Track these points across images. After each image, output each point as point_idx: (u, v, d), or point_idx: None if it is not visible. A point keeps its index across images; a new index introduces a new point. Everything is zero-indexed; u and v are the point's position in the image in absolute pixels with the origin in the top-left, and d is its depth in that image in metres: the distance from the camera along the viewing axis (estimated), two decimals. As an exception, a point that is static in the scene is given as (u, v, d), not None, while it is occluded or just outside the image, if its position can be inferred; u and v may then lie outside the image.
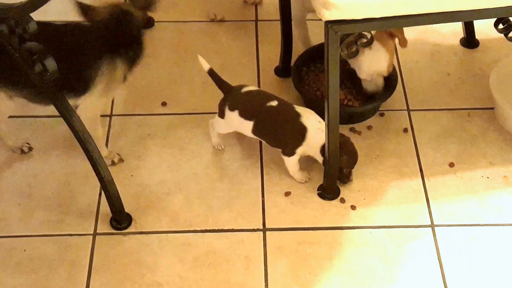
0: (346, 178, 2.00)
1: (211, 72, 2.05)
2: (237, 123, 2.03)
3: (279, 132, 2.00)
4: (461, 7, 1.71)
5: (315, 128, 1.97)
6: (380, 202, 1.99)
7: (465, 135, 2.16)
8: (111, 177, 1.86)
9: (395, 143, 2.14)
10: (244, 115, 2.01)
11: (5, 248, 1.89)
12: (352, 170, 2.01)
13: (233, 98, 2.03)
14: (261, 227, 1.94)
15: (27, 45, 1.70)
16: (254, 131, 2.02)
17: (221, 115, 2.05)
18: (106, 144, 2.11)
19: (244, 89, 2.05)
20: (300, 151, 1.99)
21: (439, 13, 1.71)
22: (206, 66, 2.05)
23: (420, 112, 2.22)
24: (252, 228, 1.94)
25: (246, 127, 2.02)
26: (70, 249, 1.89)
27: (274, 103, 2.01)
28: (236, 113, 2.02)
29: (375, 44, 2.03)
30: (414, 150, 2.12)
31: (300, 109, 2.01)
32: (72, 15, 2.50)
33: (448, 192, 2.02)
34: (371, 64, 2.08)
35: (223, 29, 2.49)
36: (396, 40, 2.09)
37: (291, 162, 2.01)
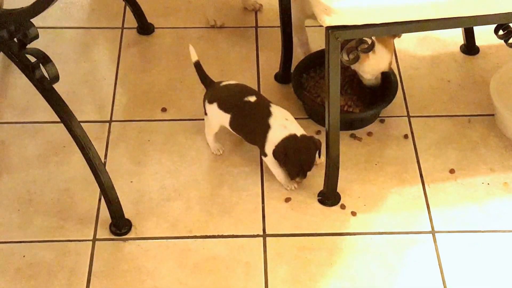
0: (291, 176, 1.99)
1: (197, 65, 2.07)
2: (217, 116, 2.03)
3: (251, 129, 2.00)
4: (461, 13, 1.71)
5: (278, 125, 1.97)
6: (380, 208, 1.99)
7: (465, 141, 2.16)
8: (111, 183, 1.86)
9: (396, 149, 2.14)
10: (222, 107, 2.01)
11: (4, 254, 1.88)
12: (304, 173, 1.98)
13: (212, 91, 2.05)
14: (261, 233, 1.94)
15: (28, 51, 1.70)
16: (231, 124, 2.02)
17: (205, 111, 2.06)
18: (106, 150, 2.11)
19: (224, 83, 2.07)
20: (269, 152, 1.98)
21: (439, 19, 1.71)
22: (194, 58, 2.07)
23: (421, 118, 2.22)
24: (252, 234, 1.93)
25: (225, 120, 2.02)
26: (70, 255, 1.88)
27: (252, 98, 2.01)
28: (215, 105, 2.02)
29: (377, 46, 2.04)
30: (415, 157, 2.12)
31: (274, 108, 2.01)
32: (72, 21, 2.53)
33: (449, 198, 2.02)
34: (375, 66, 2.09)
35: (223, 35, 2.49)
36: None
37: (269, 163, 2.01)
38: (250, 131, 2.01)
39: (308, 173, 1.99)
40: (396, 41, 2.35)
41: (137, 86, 2.31)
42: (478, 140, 2.16)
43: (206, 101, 2.05)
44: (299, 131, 1.97)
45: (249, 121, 2.00)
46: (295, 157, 1.95)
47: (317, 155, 1.98)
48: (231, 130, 2.04)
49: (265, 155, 2.00)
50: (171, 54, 2.42)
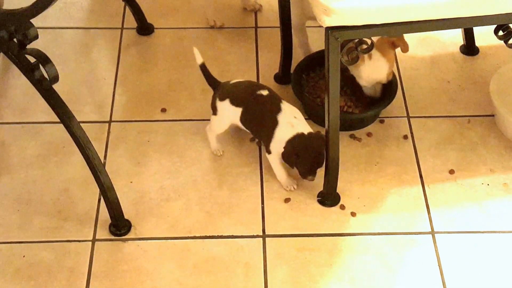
0: (303, 175, 1.98)
1: (203, 67, 2.08)
2: (229, 112, 2.03)
3: (259, 123, 2.01)
4: (461, 14, 1.71)
5: (286, 122, 1.97)
6: (380, 209, 1.99)
7: (465, 142, 2.15)
8: (110, 184, 1.86)
9: (395, 150, 2.14)
10: (235, 102, 2.02)
11: (4, 254, 1.88)
12: (315, 170, 1.97)
13: (222, 89, 2.06)
14: (260, 233, 1.94)
15: (27, 51, 1.70)
16: (242, 118, 2.02)
17: (214, 111, 2.07)
18: (106, 150, 2.11)
19: (234, 81, 2.08)
20: (274, 149, 1.98)
21: (439, 19, 1.71)
22: (199, 60, 2.08)
23: (420, 119, 2.22)
24: (251, 234, 1.93)
25: (236, 115, 2.02)
26: (69, 256, 1.88)
27: (264, 92, 2.02)
28: (227, 102, 2.03)
29: (375, 53, 2.04)
30: (414, 157, 2.11)
31: (285, 105, 2.01)
32: (71, 22, 2.53)
33: (448, 199, 2.01)
34: (371, 73, 2.09)
35: (222, 35, 2.49)
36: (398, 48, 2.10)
37: (272, 161, 2.01)
38: (259, 125, 2.01)
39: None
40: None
41: (137, 87, 2.31)
42: (478, 140, 2.16)
43: (217, 99, 2.05)
44: (306, 129, 1.97)
45: (259, 115, 2.00)
46: (307, 156, 1.94)
47: None
48: (241, 125, 2.04)
49: (269, 152, 2.00)
50: (171, 54, 2.42)
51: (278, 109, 1.99)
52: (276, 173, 2.03)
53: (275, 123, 1.97)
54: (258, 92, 2.02)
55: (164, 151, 2.13)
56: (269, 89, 2.04)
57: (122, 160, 2.10)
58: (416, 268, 1.86)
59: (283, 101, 2.02)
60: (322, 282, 1.83)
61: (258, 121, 2.01)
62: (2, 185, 2.04)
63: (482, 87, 2.30)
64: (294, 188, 2.02)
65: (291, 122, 1.97)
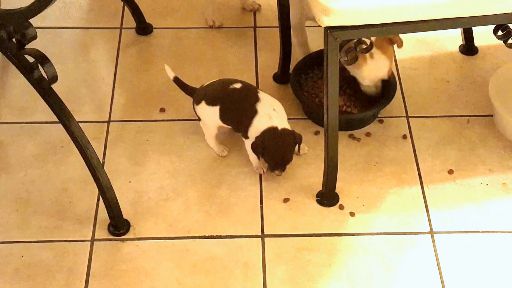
0: (270, 169, 2.02)
1: (176, 80, 2.11)
2: (208, 114, 2.05)
3: (239, 115, 2.01)
4: (460, 14, 1.71)
5: (265, 113, 1.99)
6: (379, 209, 1.99)
7: (464, 142, 2.15)
8: (109, 183, 1.86)
9: (394, 150, 2.14)
10: (210, 102, 2.04)
11: (3, 254, 1.88)
12: (283, 166, 2.00)
13: (197, 94, 2.08)
14: (259, 233, 1.93)
15: (26, 51, 1.70)
16: (221, 116, 2.03)
17: (197, 117, 2.08)
18: (104, 150, 2.11)
19: (207, 83, 2.09)
20: (251, 135, 2.00)
21: (438, 19, 1.71)
22: (171, 75, 2.11)
23: (419, 119, 2.22)
24: (250, 234, 1.93)
25: (215, 115, 2.03)
26: (68, 255, 1.88)
27: (237, 85, 2.04)
28: (203, 104, 2.05)
29: (376, 52, 2.04)
30: (413, 157, 2.11)
31: (263, 95, 2.03)
32: (70, 22, 2.53)
33: (447, 199, 2.01)
34: (374, 72, 2.10)
35: (221, 35, 2.49)
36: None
37: (248, 145, 2.02)
38: (239, 116, 2.02)
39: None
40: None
41: (136, 86, 2.31)
42: (477, 140, 2.16)
43: (194, 105, 2.07)
44: (282, 123, 1.99)
45: (238, 107, 2.02)
46: (273, 151, 1.97)
47: (296, 148, 2.00)
48: (222, 124, 2.05)
49: (247, 138, 2.01)
50: (170, 54, 2.41)
51: (257, 99, 2.01)
52: (250, 156, 2.05)
53: (254, 112, 1.99)
54: (231, 87, 2.03)
55: (163, 151, 2.12)
56: (242, 82, 2.05)
57: (121, 160, 2.10)
58: (415, 268, 1.86)
59: (260, 91, 2.03)
60: (321, 282, 1.83)
61: (238, 113, 2.02)
62: (1, 185, 2.04)
63: (481, 87, 2.30)
64: (263, 171, 2.04)
65: (270, 113, 1.99)
